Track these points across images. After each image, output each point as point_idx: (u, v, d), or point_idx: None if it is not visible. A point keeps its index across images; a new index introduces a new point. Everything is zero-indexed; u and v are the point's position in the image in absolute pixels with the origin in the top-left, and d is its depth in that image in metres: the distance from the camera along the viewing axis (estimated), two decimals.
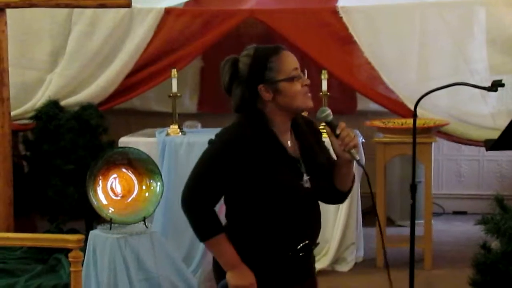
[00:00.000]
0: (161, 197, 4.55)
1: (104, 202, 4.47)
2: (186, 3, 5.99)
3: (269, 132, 2.55)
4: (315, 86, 5.40)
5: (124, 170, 4.55)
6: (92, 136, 5.60)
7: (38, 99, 5.76)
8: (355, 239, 5.30)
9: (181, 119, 5.72)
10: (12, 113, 5.52)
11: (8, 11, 5.30)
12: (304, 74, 2.63)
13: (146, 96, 6.47)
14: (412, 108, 4.11)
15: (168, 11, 5.76)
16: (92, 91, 5.76)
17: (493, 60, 5.48)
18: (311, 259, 2.70)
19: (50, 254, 4.98)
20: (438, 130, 5.44)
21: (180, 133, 5.45)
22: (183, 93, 6.32)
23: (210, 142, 2.57)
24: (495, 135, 4.12)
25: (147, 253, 4.38)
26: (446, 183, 6.85)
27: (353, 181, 2.70)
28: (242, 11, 5.80)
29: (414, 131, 4.03)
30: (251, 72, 2.54)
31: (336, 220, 5.26)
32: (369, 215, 5.65)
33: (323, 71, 5.43)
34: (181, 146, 5.27)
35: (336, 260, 5.28)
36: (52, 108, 5.64)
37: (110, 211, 4.45)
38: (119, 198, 4.55)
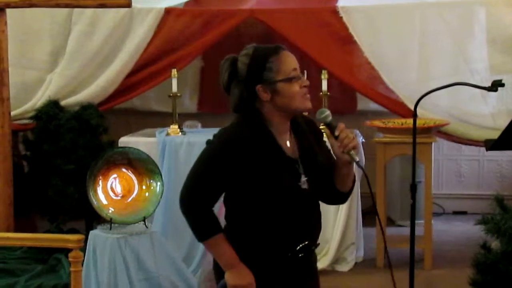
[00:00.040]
0: (161, 197, 4.55)
1: (104, 202, 4.47)
2: (186, 3, 5.98)
3: (266, 132, 2.54)
4: (315, 86, 5.44)
5: (124, 170, 4.55)
6: (92, 136, 5.60)
7: (38, 99, 5.76)
8: (355, 239, 5.30)
9: (181, 119, 5.72)
10: (12, 113, 5.52)
11: (8, 11, 5.30)
12: (303, 75, 2.61)
13: (146, 96, 6.47)
14: (412, 108, 4.11)
15: (168, 11, 5.76)
16: (92, 91, 5.76)
17: (493, 60, 5.48)
18: (312, 260, 2.69)
19: (50, 254, 4.98)
20: (438, 130, 5.43)
21: (180, 133, 5.45)
22: (183, 93, 6.32)
23: (208, 142, 2.57)
24: (495, 135, 4.12)
25: (147, 253, 4.38)
26: (446, 183, 6.85)
27: (353, 182, 2.69)
28: (242, 11, 5.80)
29: (414, 131, 4.03)
30: (250, 71, 2.53)
31: (336, 220, 5.26)
32: (369, 215, 5.65)
33: (323, 71, 5.43)
34: (181, 146, 5.27)
35: (336, 260, 5.28)
36: (52, 108, 5.64)
37: (110, 211, 4.45)
38: (119, 198, 4.55)
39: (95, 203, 4.42)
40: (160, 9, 5.75)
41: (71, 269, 3.34)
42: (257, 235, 2.55)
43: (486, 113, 5.50)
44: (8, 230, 5.20)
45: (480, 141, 5.18)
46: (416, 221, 4.15)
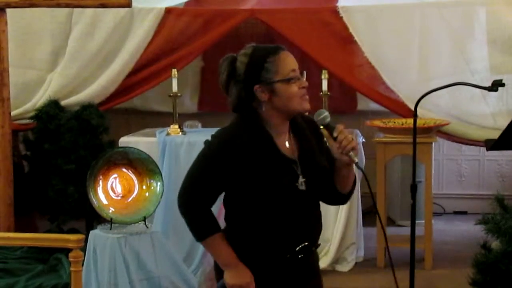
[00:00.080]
0: (161, 197, 4.55)
1: (105, 202, 4.48)
2: (186, 3, 5.98)
3: (263, 133, 2.53)
4: (315, 85, 5.45)
5: (124, 170, 4.55)
6: (93, 136, 5.60)
7: (39, 99, 5.76)
8: (355, 239, 5.30)
9: (181, 118, 5.72)
10: (13, 113, 5.52)
11: (8, 11, 5.30)
12: (303, 75, 2.59)
13: (147, 96, 6.46)
14: (412, 108, 4.11)
15: (168, 11, 5.76)
16: (93, 90, 5.76)
17: (494, 60, 5.48)
18: (313, 261, 2.68)
19: (50, 254, 4.98)
20: (438, 130, 5.43)
21: (180, 133, 5.45)
22: (184, 93, 6.32)
23: (206, 143, 2.57)
24: (495, 135, 4.12)
25: (147, 253, 4.38)
26: (447, 183, 6.84)
27: (354, 183, 2.67)
28: (243, 11, 5.80)
29: (415, 131, 4.03)
30: (248, 71, 2.52)
31: (337, 220, 5.26)
32: (369, 215, 5.65)
33: (323, 71, 5.43)
34: (181, 146, 5.28)
35: (337, 260, 5.28)
36: (52, 108, 5.64)
37: (110, 211, 4.45)
38: (119, 198, 4.55)
39: (95, 203, 4.42)
40: (160, 9, 5.75)
41: (72, 269, 3.34)
42: (256, 236, 2.55)
43: (486, 113, 5.50)
44: (8, 230, 5.20)
45: (481, 141, 5.18)
46: (417, 221, 4.15)
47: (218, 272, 2.62)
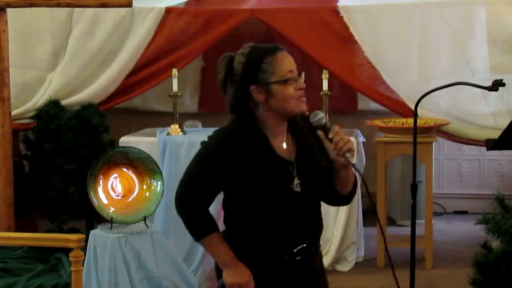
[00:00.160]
0: (161, 197, 4.55)
1: (105, 201, 4.48)
2: (187, 3, 5.98)
3: (258, 133, 2.52)
4: (316, 85, 5.46)
5: (124, 169, 4.55)
6: (93, 136, 5.60)
7: (39, 99, 5.76)
8: (355, 239, 5.30)
9: (181, 118, 5.72)
10: (13, 113, 5.52)
11: (8, 10, 5.30)
12: (301, 76, 2.54)
13: (147, 95, 6.47)
14: (412, 107, 4.11)
15: (168, 11, 5.76)
16: (93, 90, 5.76)
17: (494, 60, 5.47)
18: (315, 261, 2.65)
19: (50, 254, 4.98)
20: (438, 130, 5.43)
21: (180, 133, 5.45)
22: (184, 93, 6.32)
23: (202, 143, 2.57)
24: (496, 134, 4.12)
25: (147, 252, 4.38)
26: (447, 183, 6.84)
27: (355, 184, 2.64)
28: (243, 10, 5.79)
29: (415, 130, 4.03)
30: (244, 71, 2.50)
31: (337, 220, 5.26)
32: (369, 215, 5.65)
33: (324, 71, 5.43)
34: (181, 146, 5.28)
35: (337, 259, 5.28)
36: (52, 108, 5.65)
37: (110, 211, 4.45)
38: (119, 197, 4.55)
39: (95, 202, 4.42)
40: (160, 9, 5.75)
41: (72, 268, 3.34)
42: (253, 238, 2.54)
43: (487, 113, 5.50)
44: (8, 230, 5.20)
45: (481, 140, 5.17)
46: (417, 221, 4.15)
47: (219, 271, 2.62)
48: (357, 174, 2.59)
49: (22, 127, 5.82)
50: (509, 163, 6.70)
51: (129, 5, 5.25)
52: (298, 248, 2.55)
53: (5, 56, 5.28)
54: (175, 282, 4.47)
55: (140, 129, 6.01)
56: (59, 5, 5.27)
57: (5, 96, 5.31)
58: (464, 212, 6.73)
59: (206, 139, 2.57)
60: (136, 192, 4.56)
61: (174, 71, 5.49)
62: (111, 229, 4.38)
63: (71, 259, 3.33)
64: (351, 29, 5.56)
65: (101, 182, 4.46)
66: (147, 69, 5.78)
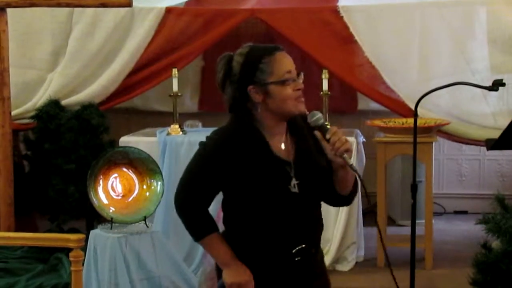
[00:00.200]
0: (161, 197, 4.55)
1: (105, 201, 4.48)
2: (187, 3, 5.98)
3: (256, 134, 2.51)
4: (316, 85, 5.46)
5: (125, 169, 4.55)
6: (93, 136, 5.60)
7: (39, 99, 5.76)
8: (356, 239, 5.29)
9: (182, 118, 5.72)
10: (13, 113, 5.52)
11: (9, 10, 5.30)
12: (300, 77, 2.53)
13: (147, 95, 6.46)
14: (413, 107, 4.11)
15: (169, 11, 5.76)
16: (93, 90, 5.76)
17: (494, 60, 5.47)
18: (316, 262, 2.65)
19: (51, 254, 4.98)
20: (439, 130, 5.43)
21: (181, 133, 5.45)
22: (184, 93, 6.32)
23: (201, 144, 2.57)
24: (496, 134, 4.11)
25: (147, 252, 4.38)
26: (447, 183, 6.84)
27: (355, 184, 2.62)
28: (243, 10, 5.79)
29: (415, 130, 4.03)
30: (243, 71, 2.49)
31: (337, 220, 5.25)
32: (369, 215, 5.65)
33: (324, 71, 5.43)
34: (182, 146, 5.28)
35: (337, 259, 5.28)
36: (53, 108, 5.64)
37: (111, 211, 4.45)
38: (119, 197, 4.55)
39: (95, 202, 4.42)
40: (160, 9, 5.75)
41: (72, 268, 3.34)
42: (251, 238, 2.54)
43: (487, 113, 5.50)
44: (9, 230, 5.20)
45: (481, 140, 5.17)
46: (417, 221, 4.15)
47: (219, 271, 2.62)
48: (361, 173, 2.59)
49: (22, 127, 5.82)
50: (509, 163, 6.70)
51: (129, 5, 5.25)
52: (297, 248, 2.54)
53: (5, 56, 5.28)
54: (175, 282, 4.47)
55: (140, 129, 6.01)
56: (59, 5, 5.27)
57: (5, 96, 5.31)
58: (464, 212, 6.73)
59: (205, 139, 2.57)
60: (136, 192, 4.56)
61: (174, 71, 5.50)
62: (111, 229, 4.38)
63: (71, 259, 3.33)
64: (351, 29, 5.56)
65: (101, 182, 4.47)
66: (147, 69, 5.78)
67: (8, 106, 5.35)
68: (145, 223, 4.46)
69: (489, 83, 4.04)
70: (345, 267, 5.26)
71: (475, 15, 5.52)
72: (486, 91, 4.41)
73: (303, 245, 2.55)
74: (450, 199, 6.79)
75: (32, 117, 5.71)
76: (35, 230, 5.63)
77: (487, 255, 3.30)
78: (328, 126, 2.51)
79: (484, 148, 6.16)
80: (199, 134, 5.41)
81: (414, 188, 4.02)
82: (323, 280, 2.72)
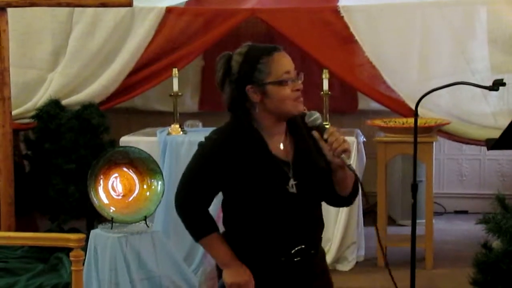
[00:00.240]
0: (162, 196, 4.55)
1: (105, 201, 4.48)
2: (187, 2, 5.98)
3: (255, 134, 2.51)
4: (316, 85, 5.45)
5: (125, 169, 4.55)
6: (93, 135, 5.60)
7: (39, 98, 5.76)
8: (356, 238, 5.29)
9: (182, 118, 5.71)
10: (13, 112, 5.52)
11: (9, 10, 5.30)
12: (300, 77, 2.52)
13: (147, 95, 6.47)
14: (413, 107, 4.11)
15: (169, 10, 5.76)
16: (93, 90, 5.76)
17: (494, 59, 5.47)
18: (316, 262, 2.64)
19: (51, 253, 4.98)
20: (439, 129, 5.43)
21: (181, 132, 5.45)
22: (184, 92, 6.32)
23: (200, 144, 2.57)
24: (496, 134, 4.11)
25: (148, 252, 4.38)
26: (447, 183, 6.84)
27: (355, 185, 2.61)
28: (243, 10, 5.79)
29: (415, 130, 4.03)
30: (241, 71, 2.49)
31: (337, 220, 5.25)
32: (369, 214, 5.65)
33: (324, 71, 5.43)
34: (182, 145, 5.28)
35: (337, 259, 5.28)
36: (53, 107, 5.64)
37: (111, 210, 4.45)
38: (120, 197, 4.55)
39: (96, 202, 4.42)
40: (161, 8, 5.75)
41: (72, 268, 3.34)
42: (250, 239, 2.54)
43: (487, 113, 5.50)
44: (9, 230, 5.20)
45: (481, 140, 5.17)
46: (417, 221, 4.15)
47: (219, 271, 2.62)
48: (361, 173, 2.58)
49: (22, 127, 5.82)
50: (510, 163, 6.70)
51: (130, 4, 5.25)
52: (296, 249, 2.54)
53: (5, 55, 5.28)
54: (175, 282, 4.47)
55: (140, 129, 6.01)
56: (59, 4, 5.27)
57: (5, 95, 5.31)
58: (465, 212, 6.73)
59: (200, 141, 2.57)
60: (136, 191, 4.56)
61: (175, 70, 5.49)
62: (111, 228, 4.38)
63: (71, 258, 3.33)
64: (352, 29, 5.56)
65: (101, 181, 4.47)
66: (147, 69, 5.78)
67: (8, 106, 5.35)
68: (146, 223, 4.46)
69: (489, 83, 4.04)
70: (345, 267, 5.26)
71: (476, 15, 5.51)
72: (486, 91, 4.41)
73: (302, 246, 2.55)
74: (451, 199, 6.79)
75: (32, 117, 5.71)
76: (35, 230, 5.63)
77: (487, 255, 3.30)
78: (327, 126, 2.51)
79: (484, 148, 6.16)
80: (199, 134, 5.41)
81: (414, 188, 4.02)
82: (325, 280, 2.71)
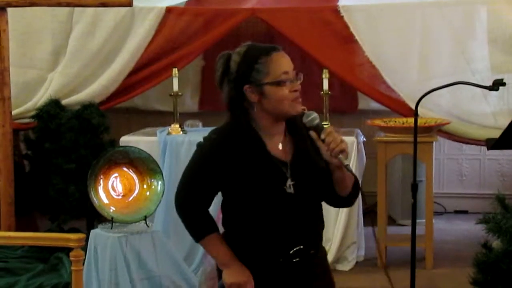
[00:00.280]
0: (162, 196, 4.55)
1: (105, 201, 4.48)
2: (187, 2, 5.98)
3: (252, 134, 2.51)
4: (316, 85, 5.45)
5: (125, 169, 4.55)
6: (93, 135, 5.60)
7: (39, 98, 5.76)
8: (356, 238, 5.29)
9: (182, 118, 5.71)
10: (14, 112, 5.52)
11: (9, 10, 5.30)
12: (299, 77, 2.51)
13: (147, 95, 6.47)
14: (413, 107, 4.11)
15: (169, 10, 5.76)
16: (93, 90, 5.76)
17: (495, 59, 5.47)
18: (315, 263, 2.63)
19: (51, 253, 4.98)
20: (439, 129, 5.43)
21: (181, 132, 5.45)
22: (184, 92, 6.32)
23: (199, 145, 2.57)
24: (496, 134, 4.12)
25: (148, 252, 4.38)
26: (447, 182, 6.84)
27: (355, 186, 2.60)
28: (244, 10, 5.79)
29: (415, 130, 4.03)
30: (239, 71, 2.49)
31: (337, 220, 5.25)
32: (369, 214, 5.65)
33: (324, 70, 5.43)
34: (182, 145, 5.28)
35: (337, 259, 5.28)
36: (53, 107, 5.64)
37: (111, 210, 4.45)
38: (120, 197, 4.55)
39: (96, 202, 4.42)
40: (161, 8, 5.75)
41: (72, 268, 3.33)
42: (249, 239, 2.54)
43: (487, 112, 5.50)
44: (9, 229, 5.20)
45: (481, 140, 5.17)
46: (417, 220, 4.15)
47: (220, 271, 2.62)
48: (360, 172, 2.58)
49: (22, 127, 5.82)
50: (510, 163, 6.70)
51: (130, 4, 5.25)
52: (295, 250, 2.53)
53: (5, 55, 5.28)
54: (175, 282, 4.47)
55: (140, 129, 6.01)
56: (59, 4, 5.27)
57: (5, 95, 5.31)
58: (465, 212, 6.73)
59: (199, 141, 2.58)
60: (136, 191, 4.56)
61: (175, 70, 5.49)
62: (111, 228, 4.38)
63: (71, 258, 3.33)
64: (352, 29, 5.56)
65: (101, 181, 4.47)
66: (147, 69, 5.78)
67: (8, 106, 5.35)
68: (146, 222, 4.46)
69: (489, 83, 4.04)
70: (345, 266, 5.26)
71: (476, 15, 5.51)
72: (486, 90, 4.41)
73: (301, 246, 2.54)
74: (451, 198, 6.79)
75: (32, 117, 5.71)
76: (35, 229, 5.63)
77: (487, 255, 3.29)
78: (326, 126, 2.50)
79: (484, 148, 6.15)
80: (199, 133, 5.38)
81: (414, 187, 4.02)
82: (326, 280, 2.70)
